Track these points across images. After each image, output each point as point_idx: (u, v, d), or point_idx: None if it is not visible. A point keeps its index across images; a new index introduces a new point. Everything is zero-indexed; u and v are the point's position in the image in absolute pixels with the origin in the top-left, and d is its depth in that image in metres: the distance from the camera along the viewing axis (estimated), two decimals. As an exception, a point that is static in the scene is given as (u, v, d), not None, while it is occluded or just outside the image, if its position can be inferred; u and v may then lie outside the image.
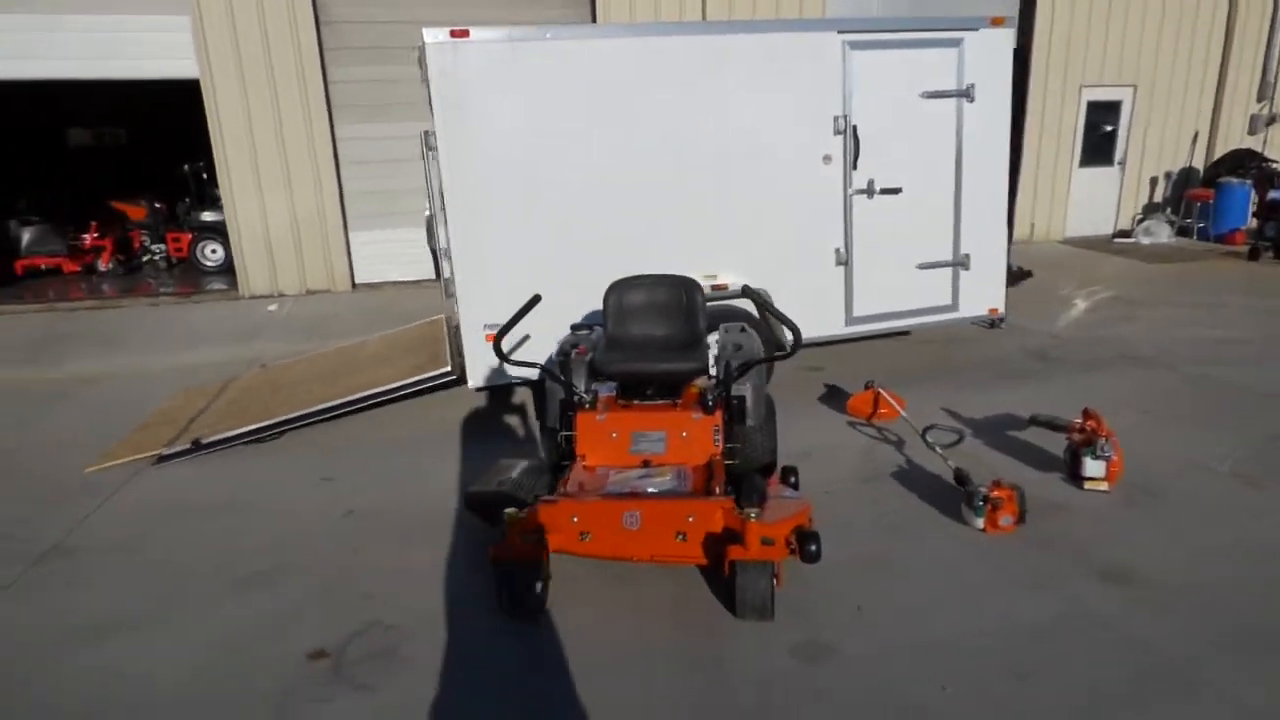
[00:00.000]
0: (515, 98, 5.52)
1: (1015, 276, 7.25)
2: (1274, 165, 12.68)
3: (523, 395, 6.57)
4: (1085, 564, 3.71)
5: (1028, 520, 4.02)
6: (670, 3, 10.95)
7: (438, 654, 3.26)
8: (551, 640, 3.32)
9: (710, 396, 3.93)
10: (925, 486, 4.56)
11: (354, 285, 10.92)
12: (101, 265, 12.58)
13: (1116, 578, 3.59)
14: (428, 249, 5.98)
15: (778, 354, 4.22)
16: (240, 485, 5.11)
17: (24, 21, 9.37)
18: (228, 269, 11.27)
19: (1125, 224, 13.59)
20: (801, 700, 2.91)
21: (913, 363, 7.06)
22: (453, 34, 5.33)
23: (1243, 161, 12.88)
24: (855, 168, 6.22)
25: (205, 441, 5.59)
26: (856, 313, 6.49)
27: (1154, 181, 13.71)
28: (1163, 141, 13.55)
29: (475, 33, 5.37)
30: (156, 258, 13.21)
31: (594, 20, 10.80)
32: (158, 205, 13.28)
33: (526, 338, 5.71)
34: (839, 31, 6.01)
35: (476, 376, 5.85)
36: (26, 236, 12.11)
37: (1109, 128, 13.33)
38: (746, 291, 3.90)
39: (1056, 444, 4.81)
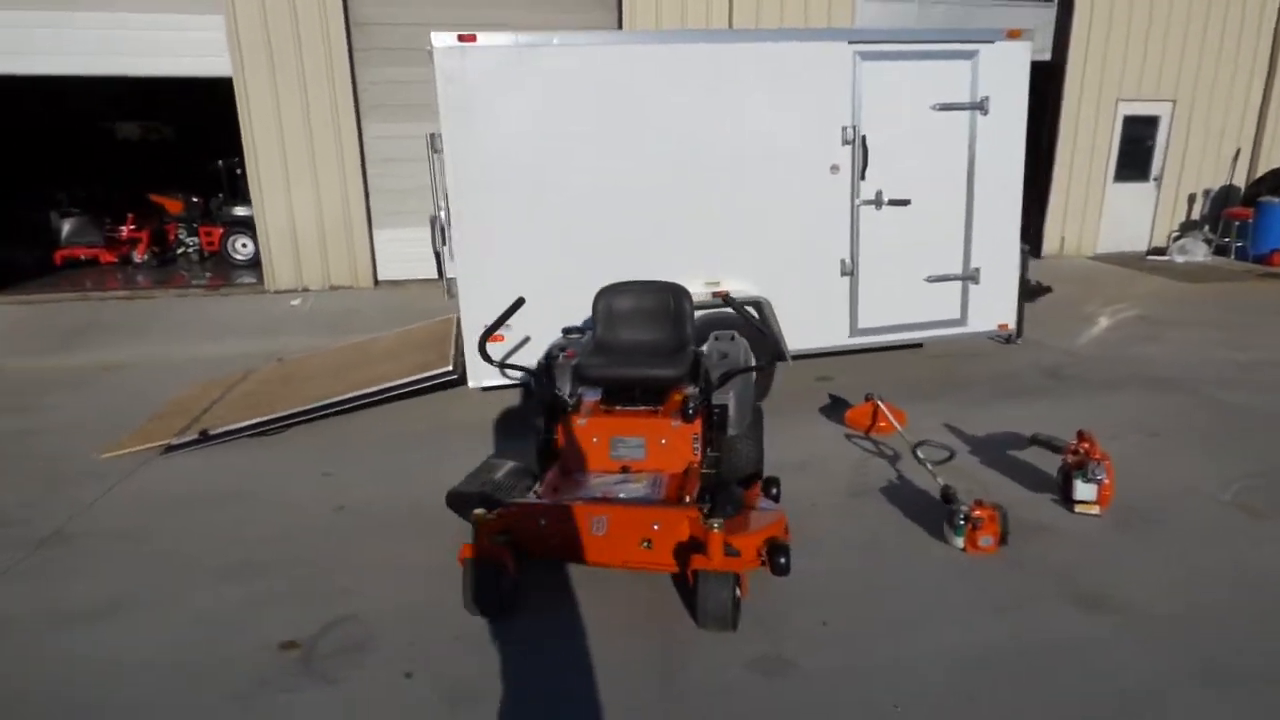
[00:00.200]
0: (521, 102, 5.57)
1: (1033, 292, 7.12)
2: (1318, 184, 12.34)
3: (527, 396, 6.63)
4: (1063, 589, 3.64)
5: (1011, 541, 3.96)
6: (696, 9, 10.98)
7: (402, 651, 3.31)
8: (513, 642, 3.35)
9: (691, 404, 3.94)
10: (913, 503, 4.52)
11: (376, 282, 11.10)
12: (137, 257, 12.96)
13: (1093, 604, 3.52)
14: (432, 250, 6.05)
15: (758, 365, 4.22)
16: (243, 477, 5.22)
17: (67, 19, 9.69)
18: (257, 263, 11.53)
19: (1160, 241, 13.29)
20: (749, 713, 2.90)
21: (922, 376, 6.98)
22: (460, 39, 5.40)
23: (1285, 180, 12.55)
24: (863, 178, 6.17)
25: (212, 433, 5.72)
26: (862, 324, 6.44)
27: (1192, 199, 13.39)
28: (1202, 158, 13.23)
29: (483, 38, 5.44)
30: (190, 250, 13.56)
31: (620, 25, 10.90)
32: (194, 199, 13.64)
33: (527, 339, 5.77)
34: (849, 42, 5.97)
35: (478, 376, 5.91)
36: (66, 228, 12.53)
37: (1147, 143, 13.05)
38: (728, 301, 3.89)
39: (1054, 464, 4.72)
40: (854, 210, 6.22)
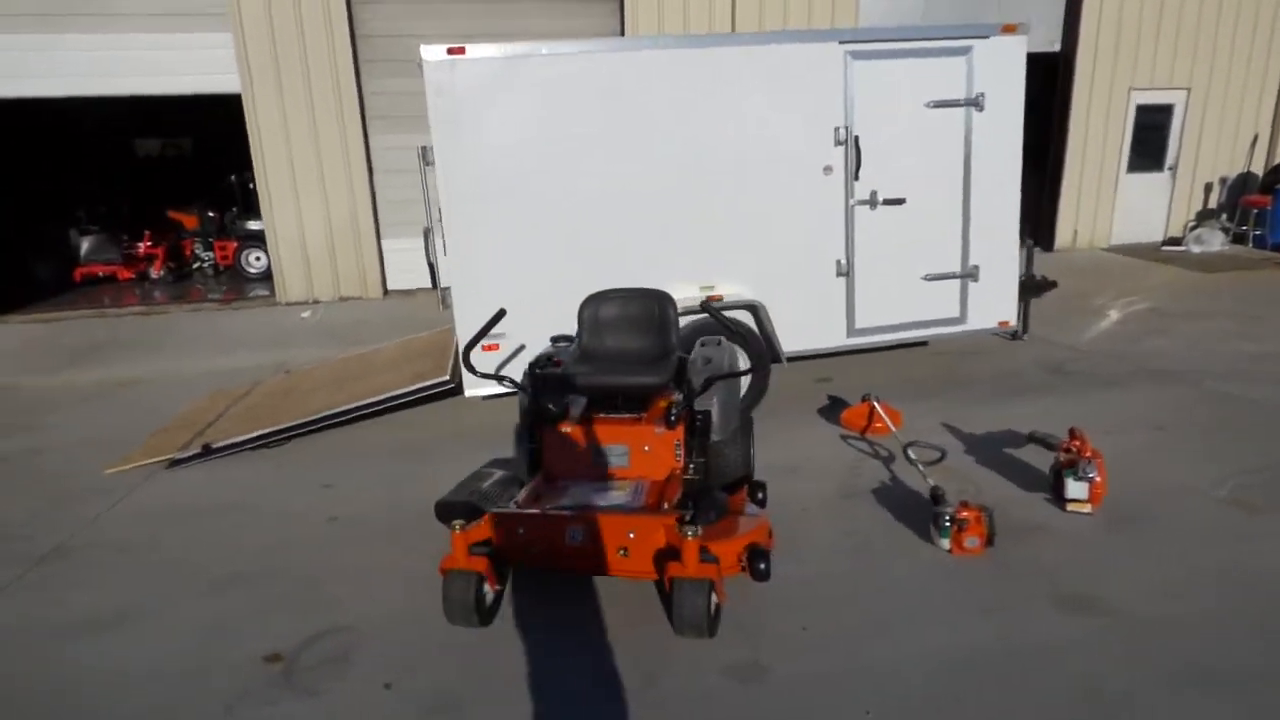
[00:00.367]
0: (511, 113, 5.61)
1: (1037, 287, 7.01)
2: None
3: (525, 404, 6.66)
4: (1048, 590, 3.60)
5: (1000, 542, 3.93)
6: (699, 12, 10.99)
7: (383, 663, 3.35)
8: (494, 651, 3.37)
9: (674, 411, 3.94)
10: (903, 505, 4.49)
11: (385, 292, 11.21)
12: (154, 273, 13.19)
13: (1078, 606, 3.48)
14: (426, 261, 6.12)
15: (742, 370, 4.21)
16: (244, 489, 5.31)
17: (86, 41, 9.89)
18: (270, 276, 11.69)
19: (1176, 231, 13.08)
20: (723, 720, 2.91)
21: (924, 374, 6.93)
22: (450, 51, 5.46)
23: (1304, 166, 12.31)
24: (857, 178, 6.14)
25: (214, 447, 5.82)
26: (859, 324, 6.39)
27: (1208, 187, 13.16)
28: (1218, 145, 13.00)
29: (471, 50, 5.49)
30: (205, 265, 13.77)
31: (623, 30, 10.93)
32: (210, 214, 13.85)
33: (522, 347, 5.80)
34: (840, 42, 5.94)
35: (473, 386, 5.95)
36: (85, 246, 12.78)
37: (1161, 132, 12.84)
38: (705, 307, 3.89)
39: (1049, 463, 4.67)
40: (848, 211, 6.19)
